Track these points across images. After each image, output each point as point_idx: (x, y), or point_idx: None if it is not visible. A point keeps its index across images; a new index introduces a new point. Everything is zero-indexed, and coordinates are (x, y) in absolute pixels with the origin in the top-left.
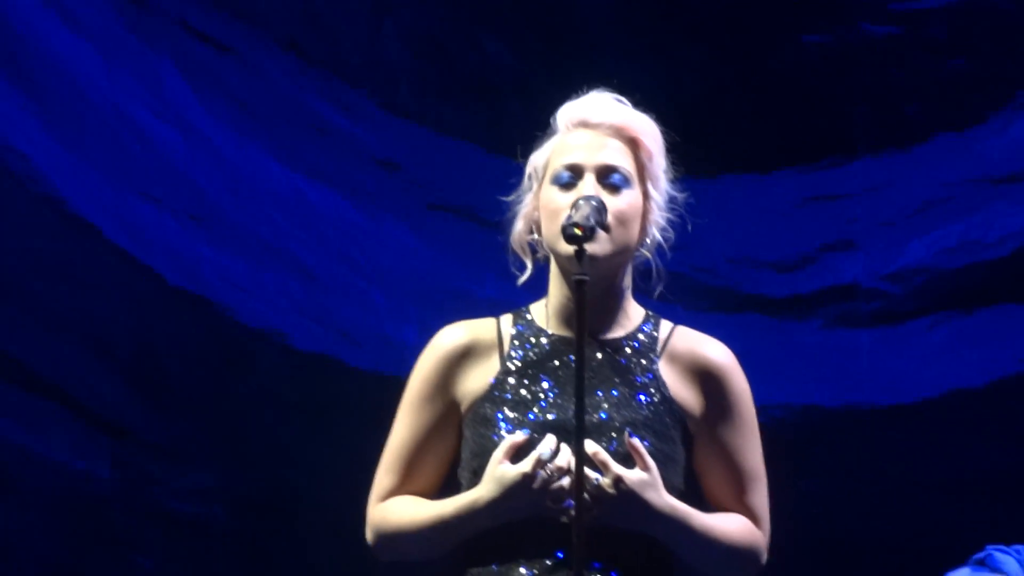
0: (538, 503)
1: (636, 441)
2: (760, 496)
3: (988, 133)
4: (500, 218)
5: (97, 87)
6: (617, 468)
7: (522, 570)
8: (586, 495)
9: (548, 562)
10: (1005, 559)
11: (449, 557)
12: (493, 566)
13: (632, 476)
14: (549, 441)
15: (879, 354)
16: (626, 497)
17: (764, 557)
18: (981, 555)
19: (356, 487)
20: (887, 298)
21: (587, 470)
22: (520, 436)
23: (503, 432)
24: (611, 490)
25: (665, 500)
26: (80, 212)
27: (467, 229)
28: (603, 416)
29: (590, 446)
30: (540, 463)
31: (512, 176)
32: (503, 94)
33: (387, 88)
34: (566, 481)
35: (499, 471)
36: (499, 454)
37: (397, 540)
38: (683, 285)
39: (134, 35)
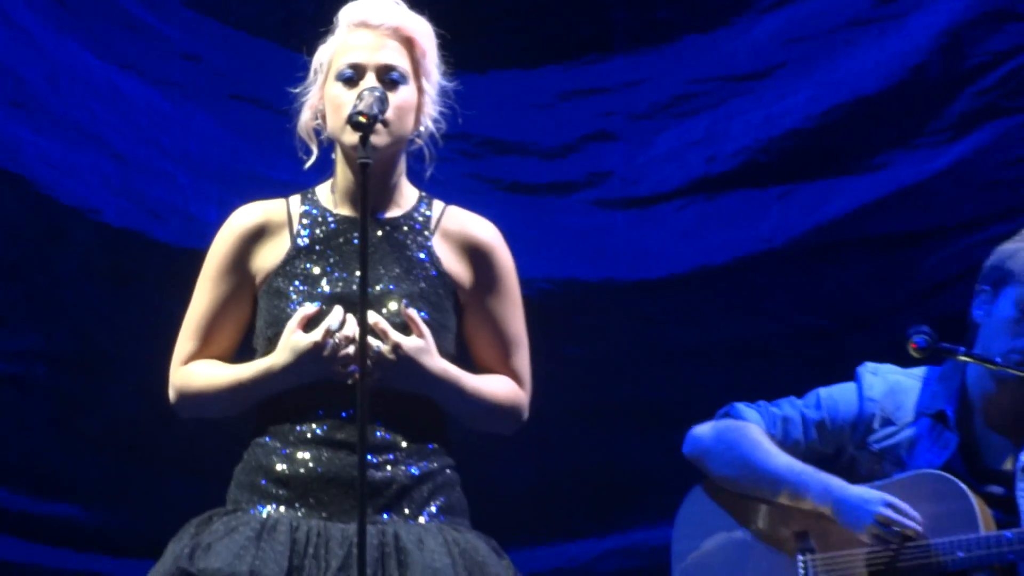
0: (327, 368)
1: (412, 311)
2: (522, 360)
3: (732, 35)
4: (290, 107)
5: None
6: (396, 336)
7: (313, 425)
8: (369, 361)
9: (336, 421)
10: (747, 410)
11: (250, 416)
12: (287, 424)
13: (409, 343)
14: (337, 313)
15: (633, 234)
16: (404, 362)
17: (525, 413)
18: (726, 409)
19: (160, 350)
20: (640, 184)
21: (369, 338)
22: (311, 308)
23: (294, 304)
24: (391, 356)
25: (438, 364)
26: None
27: (263, 117)
28: (383, 289)
29: (372, 316)
30: (329, 333)
31: (301, 70)
32: None
33: None
34: (351, 349)
35: (292, 340)
36: (293, 324)
37: (198, 400)
38: (455, 170)
39: None
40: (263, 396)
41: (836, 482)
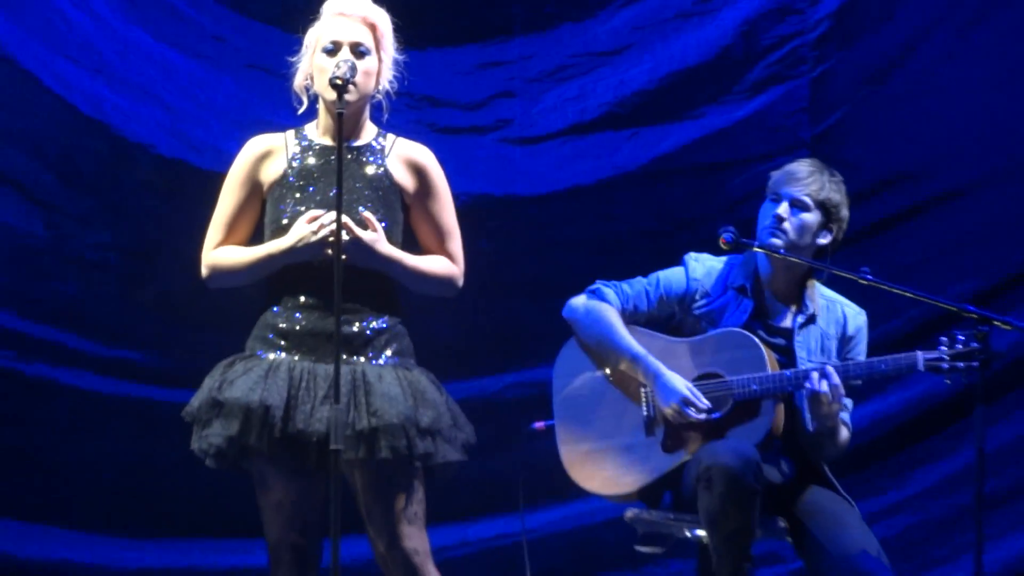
0: (316, 249)
1: (368, 214)
2: (454, 244)
3: (597, 23)
4: (287, 72)
5: None
6: (357, 229)
7: (303, 297)
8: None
9: (319, 293)
10: (606, 289)
11: (261, 290)
12: (286, 296)
13: (366, 235)
14: (331, 215)
15: (527, 162)
16: (363, 247)
17: (460, 282)
18: (593, 286)
19: (197, 243)
20: (532, 128)
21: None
22: (316, 212)
23: (290, 207)
24: (365, 239)
25: (387, 248)
26: (26, 67)
27: (269, 80)
28: (351, 196)
29: (344, 217)
30: (313, 219)
31: (296, 46)
32: None
33: None
34: (330, 235)
35: (297, 227)
36: (303, 218)
37: (224, 274)
38: (403, 117)
39: None
40: (272, 269)
41: (658, 366)
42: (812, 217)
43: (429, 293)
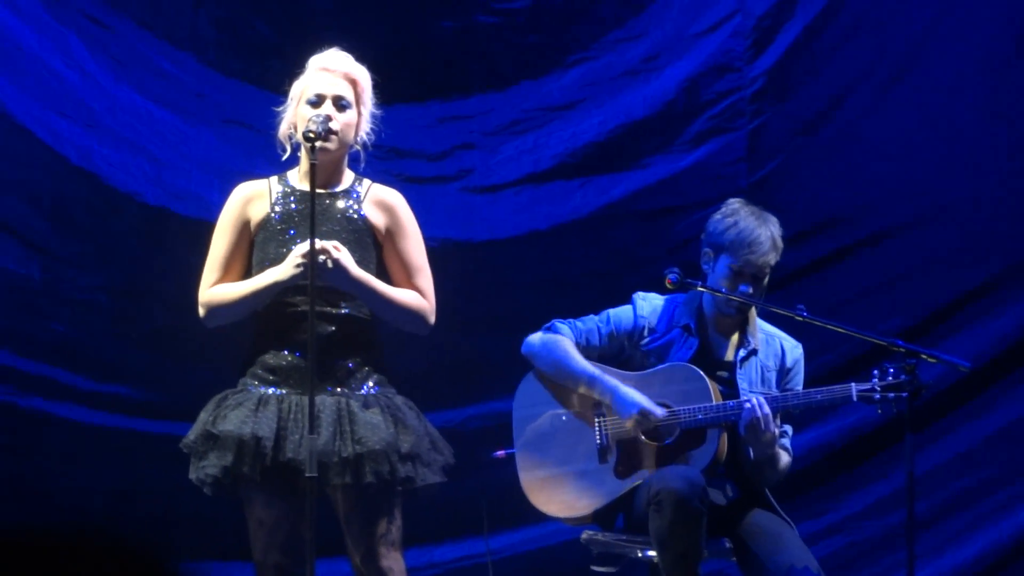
0: (299, 273)
1: (339, 244)
2: (424, 280)
3: (550, 80)
4: (271, 129)
5: (30, 47)
6: (335, 254)
7: (289, 338)
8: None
9: (303, 335)
10: (562, 326)
11: (249, 330)
12: (272, 336)
13: (342, 258)
14: (306, 244)
15: (486, 209)
16: (337, 268)
17: (431, 318)
18: (549, 324)
19: (181, 283)
20: (491, 177)
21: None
22: (305, 247)
23: (274, 248)
24: (329, 264)
25: (359, 271)
26: (22, 122)
27: (246, 134)
28: (329, 237)
29: (321, 244)
30: (302, 252)
31: (272, 103)
32: (268, 55)
33: (204, 51)
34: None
35: (289, 257)
36: (295, 252)
37: (223, 307)
38: (372, 168)
39: (48, 14)
40: (268, 298)
41: (615, 383)
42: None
43: (402, 325)
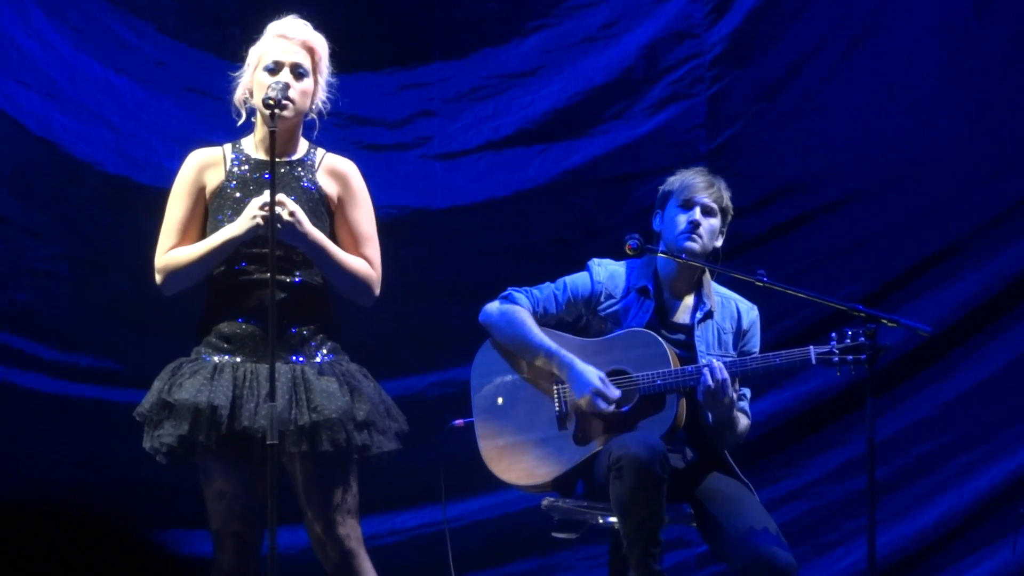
0: (254, 226)
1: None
2: (373, 250)
3: (509, 48)
4: (227, 95)
5: None
6: (291, 205)
7: (242, 303)
8: (278, 224)
9: (257, 303)
10: (518, 294)
11: (204, 297)
12: (228, 303)
13: (299, 211)
14: (263, 198)
15: (446, 176)
16: (291, 222)
17: (377, 288)
18: (507, 292)
19: (141, 252)
20: (451, 144)
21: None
22: (260, 199)
23: (228, 214)
24: (286, 216)
25: (312, 228)
26: None
27: (206, 102)
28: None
29: (279, 196)
30: (258, 204)
31: (230, 70)
32: (228, 24)
33: (164, 20)
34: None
35: (245, 211)
36: (251, 205)
37: (180, 270)
38: (331, 135)
39: None
40: (224, 255)
41: (571, 358)
42: (716, 222)
43: (348, 292)
